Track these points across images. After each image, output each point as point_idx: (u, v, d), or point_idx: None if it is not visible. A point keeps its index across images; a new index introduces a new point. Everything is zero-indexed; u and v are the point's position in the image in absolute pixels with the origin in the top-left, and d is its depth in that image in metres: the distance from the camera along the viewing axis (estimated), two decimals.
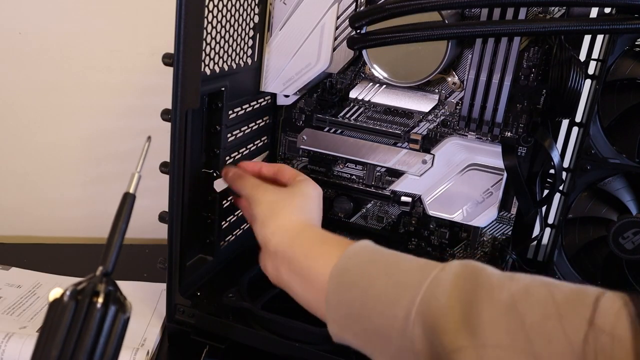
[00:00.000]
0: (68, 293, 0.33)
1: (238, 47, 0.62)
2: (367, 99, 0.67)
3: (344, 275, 0.42)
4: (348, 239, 0.47)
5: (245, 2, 0.61)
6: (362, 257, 0.43)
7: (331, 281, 0.42)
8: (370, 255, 0.43)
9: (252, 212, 0.53)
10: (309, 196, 0.54)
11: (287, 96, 0.70)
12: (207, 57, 0.55)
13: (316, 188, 0.55)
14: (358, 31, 0.57)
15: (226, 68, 0.60)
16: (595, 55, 0.62)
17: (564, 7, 0.58)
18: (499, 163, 0.63)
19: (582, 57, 0.61)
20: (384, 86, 0.66)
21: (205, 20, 0.53)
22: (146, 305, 0.65)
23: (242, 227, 0.71)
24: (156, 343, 0.59)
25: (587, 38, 0.61)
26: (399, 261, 0.42)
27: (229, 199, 0.65)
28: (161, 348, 0.60)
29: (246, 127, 0.67)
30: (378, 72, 0.62)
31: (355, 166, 0.72)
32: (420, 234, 0.71)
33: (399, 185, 0.69)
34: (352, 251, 0.44)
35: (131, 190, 0.38)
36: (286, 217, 0.51)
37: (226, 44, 0.59)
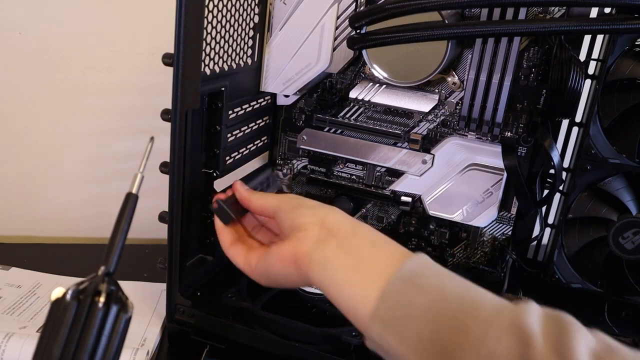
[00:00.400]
0: (70, 292, 0.33)
1: (238, 47, 0.62)
2: (367, 99, 0.67)
3: (413, 276, 0.39)
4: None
5: (245, 2, 0.61)
6: (432, 267, 0.41)
7: (396, 277, 0.39)
8: (440, 269, 0.41)
9: (294, 203, 0.49)
10: None
11: (287, 96, 0.70)
12: (207, 57, 0.55)
13: None
14: (358, 31, 0.57)
15: (226, 68, 0.60)
16: (595, 55, 0.62)
17: (564, 7, 0.58)
18: (499, 163, 0.63)
19: (582, 57, 0.61)
20: (384, 86, 0.66)
21: (205, 20, 0.53)
22: (146, 305, 0.65)
23: None
24: (156, 343, 0.59)
25: (587, 38, 0.61)
26: (470, 284, 0.39)
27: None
28: (161, 348, 0.60)
29: (246, 127, 0.67)
30: (378, 72, 0.62)
31: (355, 166, 0.72)
32: (420, 234, 0.71)
33: (399, 185, 0.69)
34: (421, 257, 0.41)
35: (134, 191, 0.38)
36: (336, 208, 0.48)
37: (226, 44, 0.59)
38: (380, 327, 0.38)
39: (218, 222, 0.53)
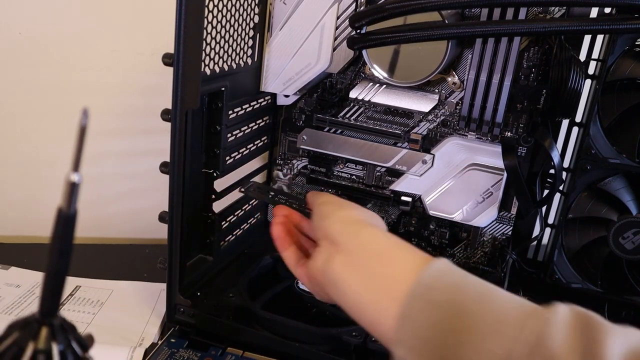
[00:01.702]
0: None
1: (238, 47, 0.62)
2: (367, 99, 0.67)
3: (429, 294, 0.36)
4: (419, 250, 0.41)
5: (245, 2, 0.61)
6: (449, 278, 0.37)
7: (413, 297, 0.36)
8: (458, 278, 0.37)
9: (317, 211, 0.46)
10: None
11: (287, 96, 0.70)
12: (207, 57, 0.55)
13: None
14: (358, 31, 0.57)
15: (226, 68, 0.60)
16: (595, 55, 0.62)
17: (564, 7, 0.58)
18: (499, 163, 0.63)
19: (582, 57, 0.61)
20: (384, 86, 0.66)
21: (205, 20, 0.53)
22: (145, 305, 0.65)
23: (242, 227, 0.71)
24: (160, 334, 0.59)
25: (587, 38, 0.61)
26: (491, 290, 0.36)
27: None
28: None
29: (246, 127, 0.67)
30: (378, 72, 0.62)
31: (356, 166, 0.72)
32: (420, 234, 0.71)
33: (399, 185, 0.69)
34: (436, 267, 0.38)
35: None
36: (351, 211, 0.45)
37: (226, 44, 0.59)
38: (404, 351, 0.36)
39: (279, 246, 0.50)
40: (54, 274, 0.27)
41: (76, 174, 0.25)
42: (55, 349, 0.27)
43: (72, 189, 0.26)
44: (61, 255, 0.27)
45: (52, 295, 0.27)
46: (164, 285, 0.59)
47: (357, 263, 0.41)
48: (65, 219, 0.27)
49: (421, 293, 0.36)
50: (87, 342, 0.28)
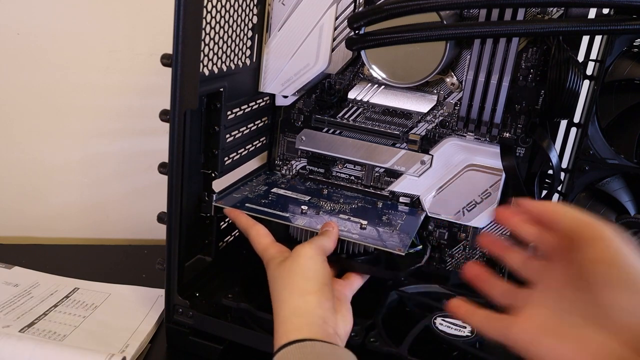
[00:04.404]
0: None
1: (237, 47, 0.62)
2: (365, 99, 0.67)
3: None
4: None
5: (244, 2, 0.61)
6: None
7: None
8: None
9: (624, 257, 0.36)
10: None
11: (285, 97, 0.70)
12: (206, 58, 0.55)
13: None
14: (356, 32, 0.57)
15: (225, 69, 0.60)
16: (593, 56, 0.62)
17: (563, 8, 0.58)
18: (498, 164, 0.63)
19: (581, 57, 0.61)
20: (383, 87, 0.66)
21: (204, 20, 0.53)
22: (140, 312, 0.65)
23: None
24: (148, 341, 0.59)
25: (585, 39, 0.61)
26: None
27: None
28: (159, 349, 0.60)
29: (245, 128, 0.67)
30: (377, 72, 0.62)
31: (354, 167, 0.72)
32: (419, 234, 0.71)
33: (397, 186, 0.69)
34: None
35: None
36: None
37: (225, 44, 0.59)
38: None
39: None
40: None
41: None
42: None
43: None
44: None
45: None
46: (161, 291, 0.58)
47: None
48: None
49: None
50: None
